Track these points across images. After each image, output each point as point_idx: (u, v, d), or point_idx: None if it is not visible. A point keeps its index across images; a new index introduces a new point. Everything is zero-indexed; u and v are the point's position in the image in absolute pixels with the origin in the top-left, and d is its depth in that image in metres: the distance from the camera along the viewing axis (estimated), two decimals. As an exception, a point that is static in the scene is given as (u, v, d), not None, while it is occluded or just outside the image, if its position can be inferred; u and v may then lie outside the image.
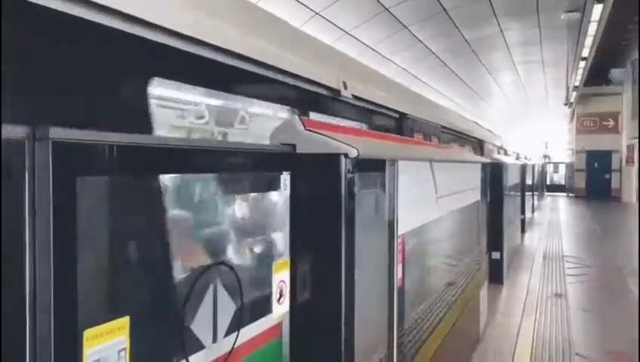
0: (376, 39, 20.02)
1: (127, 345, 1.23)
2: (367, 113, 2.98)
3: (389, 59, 22.23)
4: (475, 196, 5.13)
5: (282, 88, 2.06)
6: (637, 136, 20.94)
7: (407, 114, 3.68)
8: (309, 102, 2.27)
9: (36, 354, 1.02)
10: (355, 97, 2.65)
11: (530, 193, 16.37)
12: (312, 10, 16.09)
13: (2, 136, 0.95)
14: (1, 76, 0.95)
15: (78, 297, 1.10)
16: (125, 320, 1.24)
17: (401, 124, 3.60)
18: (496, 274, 7.75)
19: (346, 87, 2.51)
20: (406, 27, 19.52)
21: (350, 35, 18.66)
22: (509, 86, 33.89)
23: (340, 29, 17.97)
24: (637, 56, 22.29)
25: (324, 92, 2.38)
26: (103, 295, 1.23)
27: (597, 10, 14.09)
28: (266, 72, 1.90)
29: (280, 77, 2.00)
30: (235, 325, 1.70)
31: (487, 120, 35.35)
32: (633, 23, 17.65)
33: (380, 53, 21.30)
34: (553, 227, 15.23)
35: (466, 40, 22.27)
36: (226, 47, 1.63)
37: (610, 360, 5.00)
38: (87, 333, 1.14)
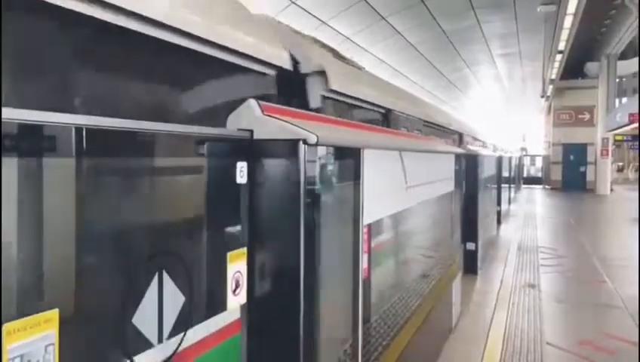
0: (353, 30, 19.93)
1: (55, 339, 1.15)
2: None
3: (367, 51, 22.18)
4: (449, 187, 5.11)
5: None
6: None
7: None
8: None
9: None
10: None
11: (507, 185, 16.51)
12: (289, -2, 15.93)
13: None
14: None
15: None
16: (54, 313, 1.15)
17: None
18: (470, 265, 7.78)
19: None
20: (384, 18, 19.46)
21: (327, 25, 18.54)
22: (488, 79, 34.13)
23: (317, 18, 17.82)
24: (611, 51, 22.65)
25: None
26: (28, 284, 1.14)
27: (572, 2, 14.19)
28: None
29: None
30: (185, 319, 1.62)
31: (465, 112, 35.60)
32: (608, 17, 17.92)
33: (358, 45, 21.22)
34: (529, 219, 15.41)
35: (444, 32, 22.31)
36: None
37: (582, 350, 5.05)
38: (7, 327, 1.05)
